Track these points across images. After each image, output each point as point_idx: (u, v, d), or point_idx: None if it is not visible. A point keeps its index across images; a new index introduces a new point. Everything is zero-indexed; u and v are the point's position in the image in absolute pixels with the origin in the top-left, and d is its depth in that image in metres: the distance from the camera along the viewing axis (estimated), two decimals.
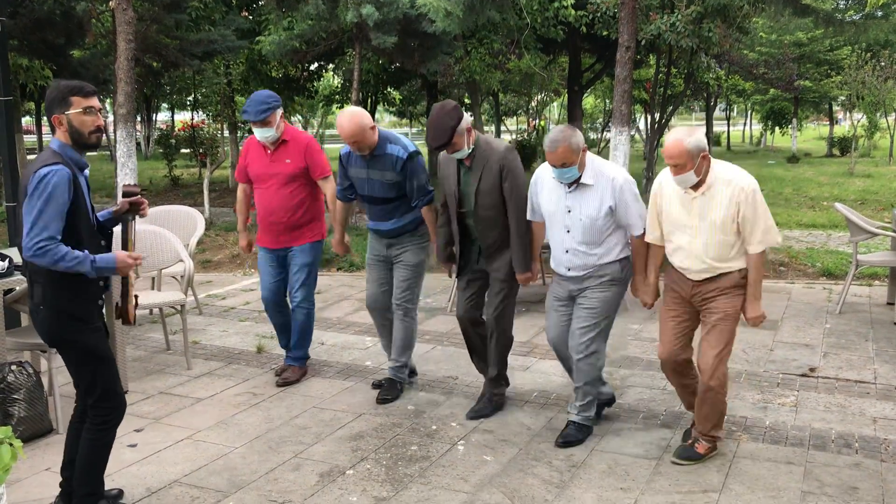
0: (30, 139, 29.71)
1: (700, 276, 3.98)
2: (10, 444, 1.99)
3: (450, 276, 5.09)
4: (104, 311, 3.54)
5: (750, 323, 3.96)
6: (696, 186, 3.87)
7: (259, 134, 5.12)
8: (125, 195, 3.60)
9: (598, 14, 13.58)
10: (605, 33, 13.97)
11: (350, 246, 5.46)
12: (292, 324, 5.43)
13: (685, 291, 4.06)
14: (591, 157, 4.20)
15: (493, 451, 4.27)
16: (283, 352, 5.75)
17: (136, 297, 3.64)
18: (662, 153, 3.91)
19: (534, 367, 5.61)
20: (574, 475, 3.97)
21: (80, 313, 3.38)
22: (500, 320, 4.69)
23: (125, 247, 3.56)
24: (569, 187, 4.19)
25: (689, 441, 4.18)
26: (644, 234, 4.18)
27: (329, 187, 5.28)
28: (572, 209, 4.20)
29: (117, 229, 3.61)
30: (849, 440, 4.34)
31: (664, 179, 4.04)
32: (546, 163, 4.24)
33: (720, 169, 3.88)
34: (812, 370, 5.48)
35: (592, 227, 4.17)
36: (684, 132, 3.84)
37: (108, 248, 3.51)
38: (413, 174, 4.82)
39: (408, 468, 4.06)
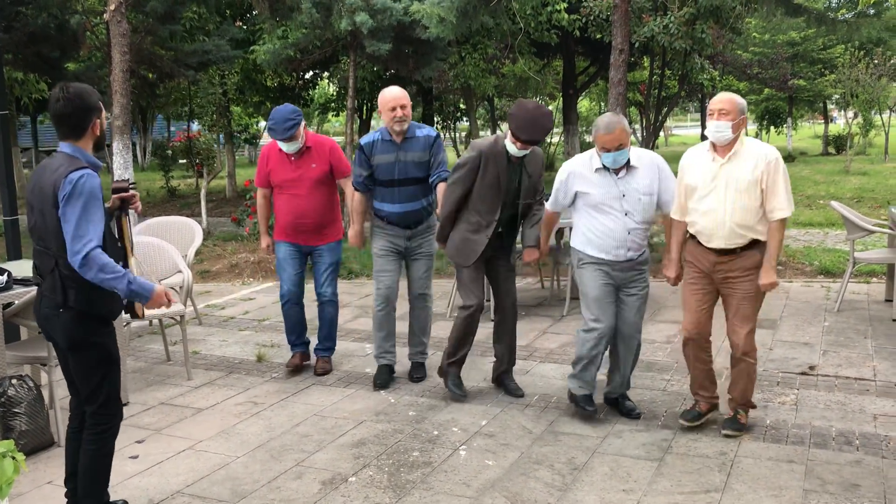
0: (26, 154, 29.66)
1: (722, 242, 4.18)
2: (13, 458, 1.98)
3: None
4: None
5: (763, 289, 4.19)
6: (724, 152, 4.15)
7: (286, 147, 5.35)
8: (115, 191, 3.61)
9: (592, 17, 13.59)
10: (598, 36, 14.00)
11: (367, 238, 5.62)
12: (321, 318, 5.68)
13: (706, 266, 4.29)
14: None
15: (495, 455, 4.27)
16: (283, 359, 5.81)
17: None
18: (710, 102, 4.23)
19: (534, 371, 5.62)
20: (576, 478, 3.97)
21: (106, 314, 3.40)
22: (515, 303, 5.14)
23: (122, 243, 3.57)
24: (617, 174, 4.44)
25: (731, 413, 4.45)
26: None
27: (349, 186, 5.50)
28: (627, 192, 4.44)
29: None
30: (849, 437, 4.35)
31: (690, 155, 4.37)
32: (575, 158, 4.63)
33: (750, 142, 4.21)
34: (812, 368, 5.49)
35: (650, 205, 4.49)
36: (736, 94, 4.25)
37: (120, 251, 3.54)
38: (440, 150, 5.23)
39: (410, 474, 4.07)
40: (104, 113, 3.41)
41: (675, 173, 4.47)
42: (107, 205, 3.60)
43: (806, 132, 46.58)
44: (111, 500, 3.65)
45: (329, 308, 5.65)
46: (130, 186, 3.66)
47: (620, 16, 8.97)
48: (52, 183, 3.21)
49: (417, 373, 5.50)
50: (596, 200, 4.50)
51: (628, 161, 4.43)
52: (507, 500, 3.77)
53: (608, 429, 4.57)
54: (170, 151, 18.54)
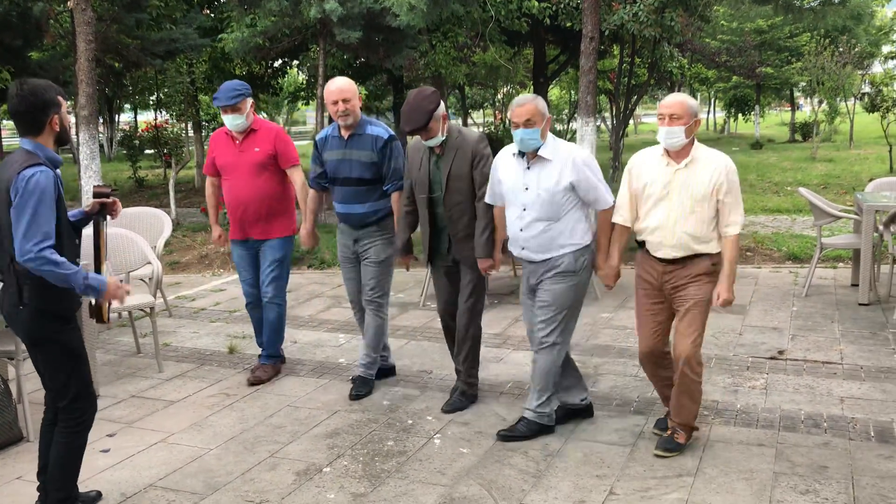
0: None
1: (672, 253, 3.96)
2: None
3: (406, 270, 4.99)
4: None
5: (720, 303, 3.97)
6: (678, 157, 3.92)
7: (229, 121, 5.13)
8: (96, 195, 3.56)
9: (562, 5, 13.66)
10: (568, 24, 14.05)
11: (319, 238, 5.44)
12: (263, 321, 5.41)
13: (655, 278, 4.06)
14: (552, 136, 4.22)
15: (470, 443, 4.28)
16: (256, 351, 5.73)
17: None
18: (659, 106, 4.00)
19: (507, 359, 5.64)
20: (550, 464, 4.00)
21: (64, 311, 3.37)
22: (472, 310, 4.72)
23: (97, 248, 3.53)
24: (527, 165, 4.17)
25: (669, 431, 4.15)
26: (611, 208, 4.18)
27: (298, 177, 5.28)
28: (529, 186, 4.16)
29: (87, 231, 3.57)
30: (818, 420, 4.42)
31: (640, 159, 4.10)
32: (506, 147, 4.30)
33: (704, 148, 3.97)
34: (780, 353, 5.57)
35: (551, 202, 4.12)
36: (686, 95, 4.10)
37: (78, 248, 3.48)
38: (392, 156, 4.89)
39: (385, 463, 4.07)
40: (64, 107, 3.34)
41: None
42: (86, 208, 3.56)
43: (773, 119, 47.15)
44: (83, 492, 3.61)
45: (269, 311, 5.33)
46: (112, 192, 3.60)
47: (590, 3, 8.99)
48: (6, 180, 3.18)
49: (356, 388, 5.02)
50: (506, 189, 4.27)
51: (539, 152, 4.12)
52: (482, 487, 3.79)
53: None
54: (137, 141, 18.29)
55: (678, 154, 3.93)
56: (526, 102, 4.10)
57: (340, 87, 4.82)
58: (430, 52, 14.64)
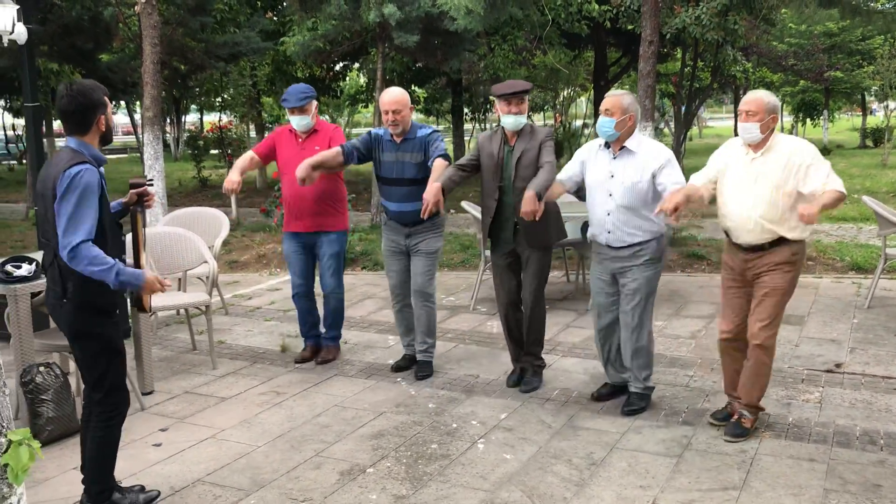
0: (62, 143, 30.16)
1: (750, 238, 4.15)
2: (29, 445, 2.03)
3: (438, 213, 5.10)
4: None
5: (800, 216, 3.92)
6: (756, 148, 4.13)
7: (296, 121, 5.47)
8: (132, 186, 3.73)
9: (622, 8, 13.50)
10: (629, 27, 13.89)
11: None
12: (325, 309, 5.75)
13: (738, 265, 4.27)
14: (639, 132, 4.57)
15: (513, 448, 4.27)
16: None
17: None
18: (740, 103, 4.20)
19: (556, 365, 5.61)
20: (594, 473, 3.97)
21: (105, 306, 3.48)
22: (536, 295, 5.01)
23: (135, 238, 3.65)
24: (614, 155, 4.50)
25: (734, 416, 4.34)
26: None
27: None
28: (615, 174, 4.49)
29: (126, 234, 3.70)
30: (874, 437, 4.29)
31: (728, 146, 4.36)
32: (590, 142, 4.75)
33: (783, 137, 4.17)
34: (838, 366, 5.41)
35: (634, 190, 4.44)
36: (767, 92, 4.23)
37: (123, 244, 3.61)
38: (434, 140, 5.22)
39: (427, 466, 4.09)
40: (109, 108, 3.48)
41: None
42: (124, 199, 3.69)
43: (844, 124, 45.78)
44: (130, 486, 3.71)
45: (332, 300, 5.71)
46: (148, 183, 3.73)
47: (650, 7, 8.87)
48: (53, 177, 3.30)
49: (422, 370, 5.46)
50: (591, 180, 4.62)
51: (625, 144, 4.46)
52: (524, 493, 3.78)
53: (628, 424, 4.55)
54: (201, 142, 18.73)
55: (756, 146, 4.15)
56: (613, 95, 4.48)
57: (392, 98, 5.15)
58: (489, 56, 14.65)
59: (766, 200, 4.08)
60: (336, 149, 5.31)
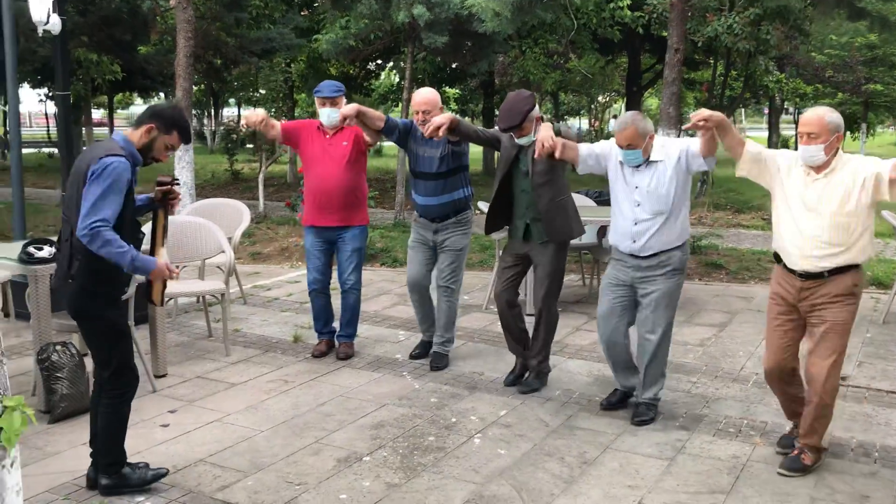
0: (101, 131, 30.78)
1: (809, 265, 3.83)
2: (23, 412, 2.16)
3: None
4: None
5: (891, 171, 3.69)
6: (819, 170, 3.81)
7: (326, 114, 5.52)
8: (159, 184, 3.85)
9: (655, 15, 13.49)
10: (663, 34, 13.89)
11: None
12: (343, 305, 5.81)
13: (792, 294, 3.95)
14: (658, 138, 4.47)
15: (508, 444, 4.35)
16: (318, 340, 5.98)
17: (163, 281, 3.83)
18: (799, 122, 3.90)
19: (561, 366, 5.67)
20: (584, 472, 4.03)
21: (109, 294, 3.63)
22: (548, 300, 5.08)
23: (154, 234, 3.78)
24: (636, 167, 4.43)
25: (795, 451, 4.07)
26: None
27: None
28: (640, 185, 4.43)
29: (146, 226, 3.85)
30: (869, 449, 4.30)
31: (786, 158, 3.98)
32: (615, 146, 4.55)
33: (849, 157, 3.83)
34: (843, 379, 5.40)
35: (659, 196, 4.39)
36: (828, 108, 3.84)
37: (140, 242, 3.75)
38: None
39: (422, 458, 4.18)
40: (167, 137, 3.63)
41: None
42: (150, 195, 3.84)
43: (887, 138, 45.05)
44: (135, 462, 3.86)
45: (351, 295, 5.78)
46: (175, 182, 3.87)
47: (677, 14, 8.89)
48: (88, 160, 3.46)
49: (437, 362, 5.63)
50: (615, 189, 4.56)
51: (651, 157, 4.40)
52: (513, 488, 3.86)
53: (624, 426, 4.60)
54: (235, 136, 19.00)
55: (820, 167, 3.82)
56: (626, 127, 4.33)
57: (423, 99, 5.28)
58: (520, 59, 14.70)
59: (831, 226, 3.77)
60: (381, 114, 5.47)
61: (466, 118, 32.45)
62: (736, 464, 4.11)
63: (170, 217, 3.93)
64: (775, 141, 26.73)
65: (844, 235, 3.78)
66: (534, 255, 5.10)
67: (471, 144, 5.44)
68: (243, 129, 18.26)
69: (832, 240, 3.78)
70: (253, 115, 5.44)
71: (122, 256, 3.42)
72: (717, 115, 3.96)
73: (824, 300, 3.85)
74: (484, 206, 7.58)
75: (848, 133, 32.31)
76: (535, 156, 4.67)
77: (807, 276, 3.87)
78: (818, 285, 3.86)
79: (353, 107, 5.26)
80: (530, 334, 5.27)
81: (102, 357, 3.66)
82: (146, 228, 3.83)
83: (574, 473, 4.01)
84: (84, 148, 21.67)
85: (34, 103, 32.74)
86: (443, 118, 4.90)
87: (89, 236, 3.36)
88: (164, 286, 3.88)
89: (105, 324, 3.63)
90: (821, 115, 3.77)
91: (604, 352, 4.81)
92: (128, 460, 3.83)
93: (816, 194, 3.81)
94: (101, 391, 3.72)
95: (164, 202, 3.84)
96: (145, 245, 3.83)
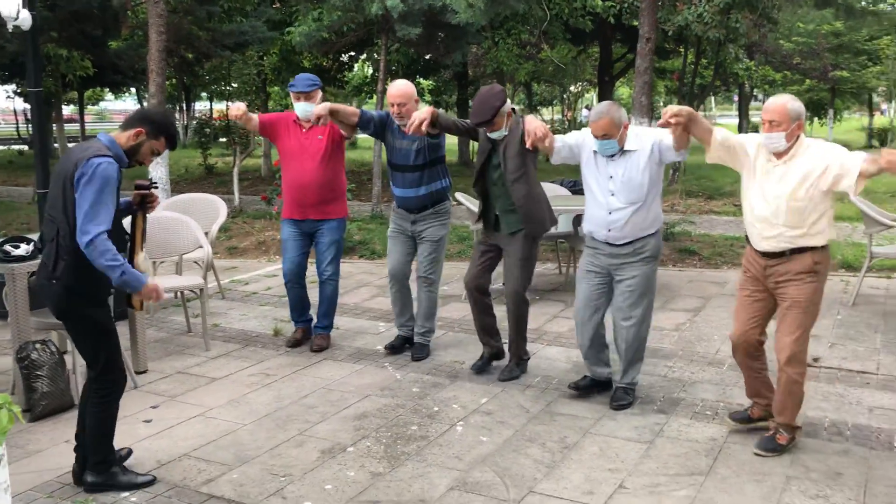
0: (72, 127, 30.40)
1: (769, 245, 3.99)
2: (10, 410, 2.18)
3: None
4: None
5: (882, 160, 3.79)
6: (780, 155, 3.93)
7: (301, 108, 5.52)
8: (138, 188, 3.87)
9: (626, 4, 13.59)
10: (634, 23, 13.98)
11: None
12: (320, 296, 5.84)
13: (758, 271, 4.12)
14: (633, 129, 4.53)
15: (490, 432, 4.41)
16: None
17: None
18: (762, 110, 3.97)
19: (540, 353, 5.74)
20: (565, 456, 4.10)
21: (93, 294, 3.63)
22: (518, 290, 5.12)
23: (133, 237, 3.79)
24: (611, 157, 4.49)
25: (770, 431, 4.17)
26: None
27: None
28: (614, 175, 4.49)
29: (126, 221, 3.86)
30: (841, 428, 4.41)
31: (756, 144, 4.05)
32: (589, 135, 4.57)
33: (811, 142, 3.94)
34: (815, 360, 5.52)
35: (633, 184, 4.45)
36: (790, 97, 3.96)
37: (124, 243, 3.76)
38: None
39: (406, 447, 4.23)
40: (155, 143, 3.66)
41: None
42: (128, 198, 3.85)
43: (854, 124, 45.61)
44: (118, 448, 3.87)
45: (328, 286, 5.81)
46: (153, 186, 3.88)
47: (648, 4, 8.98)
48: (75, 161, 3.46)
49: (418, 352, 5.68)
50: (588, 179, 4.62)
51: (624, 147, 4.45)
52: (496, 474, 3.92)
53: (603, 411, 4.68)
54: (208, 129, 18.87)
55: (781, 154, 3.95)
56: (601, 118, 4.38)
57: (398, 91, 5.30)
58: (493, 49, 14.74)
59: (791, 208, 3.90)
60: (355, 109, 5.49)
61: (441, 109, 32.46)
62: (713, 445, 4.20)
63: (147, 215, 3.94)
64: (746, 127, 27.01)
65: (799, 219, 3.92)
66: (504, 245, 5.15)
67: (446, 135, 5.48)
68: (217, 123, 18.16)
69: (788, 223, 3.93)
70: (234, 108, 5.51)
71: (113, 270, 3.44)
72: (686, 108, 4.06)
73: (786, 277, 4.01)
74: (461, 196, 7.65)
75: (815, 119, 32.82)
76: (528, 145, 4.72)
77: (769, 255, 4.05)
78: (779, 263, 4.02)
79: (324, 106, 5.26)
80: (498, 324, 5.35)
81: (89, 356, 3.66)
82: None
83: (555, 458, 4.08)
84: (55, 145, 21.36)
85: (1, 100, 32.28)
86: (423, 113, 4.93)
87: (88, 244, 3.38)
88: None
89: (89, 323, 3.63)
90: (783, 102, 3.89)
91: (578, 338, 4.88)
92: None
93: (776, 179, 3.95)
94: (90, 390, 3.72)
95: (143, 205, 3.85)
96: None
